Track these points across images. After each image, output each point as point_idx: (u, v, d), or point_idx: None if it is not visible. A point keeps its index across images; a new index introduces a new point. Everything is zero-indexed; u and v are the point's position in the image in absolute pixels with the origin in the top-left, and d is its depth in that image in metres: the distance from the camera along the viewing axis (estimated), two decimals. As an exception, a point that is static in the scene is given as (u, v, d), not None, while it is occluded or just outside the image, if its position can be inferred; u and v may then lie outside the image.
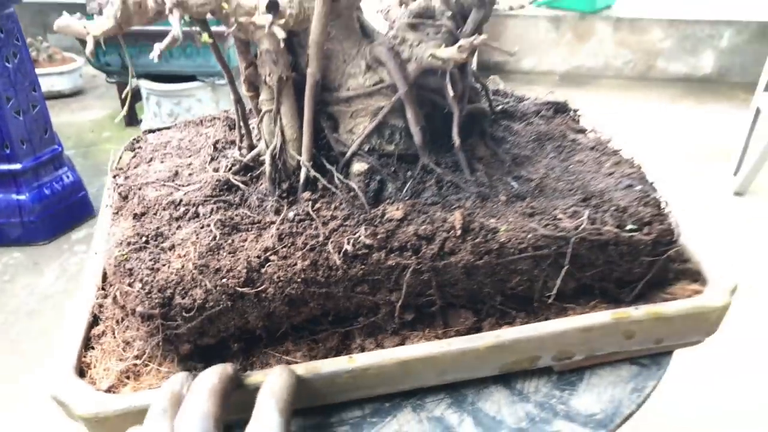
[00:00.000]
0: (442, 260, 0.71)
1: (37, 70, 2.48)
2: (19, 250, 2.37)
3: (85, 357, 0.74)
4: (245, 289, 0.68)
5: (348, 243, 0.70)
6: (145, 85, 3.08)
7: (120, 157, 0.95)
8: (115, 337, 0.76)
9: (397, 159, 0.79)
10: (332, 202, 0.76)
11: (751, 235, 2.42)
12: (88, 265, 0.84)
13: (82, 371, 0.72)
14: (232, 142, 0.91)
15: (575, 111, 0.99)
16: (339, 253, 0.69)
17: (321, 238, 0.71)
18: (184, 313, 0.68)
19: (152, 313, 0.68)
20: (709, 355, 1.87)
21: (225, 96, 2.98)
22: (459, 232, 0.71)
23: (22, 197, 2.31)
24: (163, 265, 0.70)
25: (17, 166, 2.28)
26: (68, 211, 2.52)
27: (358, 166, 0.78)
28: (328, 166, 0.78)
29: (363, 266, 0.70)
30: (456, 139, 0.78)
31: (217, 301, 0.68)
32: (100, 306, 0.80)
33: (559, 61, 3.85)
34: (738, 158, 2.73)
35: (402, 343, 0.74)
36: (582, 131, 0.95)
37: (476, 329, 0.75)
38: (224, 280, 0.68)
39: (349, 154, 0.79)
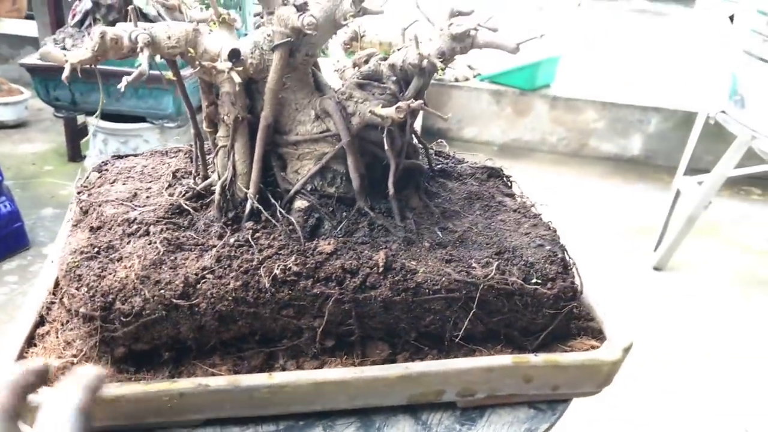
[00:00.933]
0: (363, 293, 0.78)
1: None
2: None
3: (26, 353, 0.80)
4: (180, 301, 0.75)
5: (278, 269, 0.77)
6: (93, 122, 2.98)
7: (87, 177, 1.03)
8: (57, 337, 0.82)
9: (336, 200, 0.87)
10: (272, 233, 0.84)
11: (666, 309, 2.56)
12: (42, 271, 0.91)
13: (21, 365, 0.78)
14: (191, 173, 0.99)
15: (508, 177, 1.08)
16: (269, 277, 0.77)
17: (255, 263, 0.78)
18: (122, 318, 0.74)
19: (93, 315, 0.74)
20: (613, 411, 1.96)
21: (172, 139, 3.01)
22: (381, 269, 0.80)
23: None
24: (110, 274, 0.77)
25: None
26: (2, 241, 2.49)
27: (300, 203, 0.87)
28: (273, 201, 0.86)
29: (290, 292, 0.77)
30: (390, 189, 0.87)
31: (153, 310, 0.75)
32: (48, 309, 0.86)
33: (498, 133, 4.04)
34: (659, 235, 2.89)
35: (321, 368, 0.81)
36: (511, 195, 1.04)
37: (391, 361, 0.83)
38: (162, 291, 0.75)
39: (293, 191, 0.87)
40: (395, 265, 0.80)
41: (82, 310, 0.74)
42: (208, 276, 0.77)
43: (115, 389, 0.74)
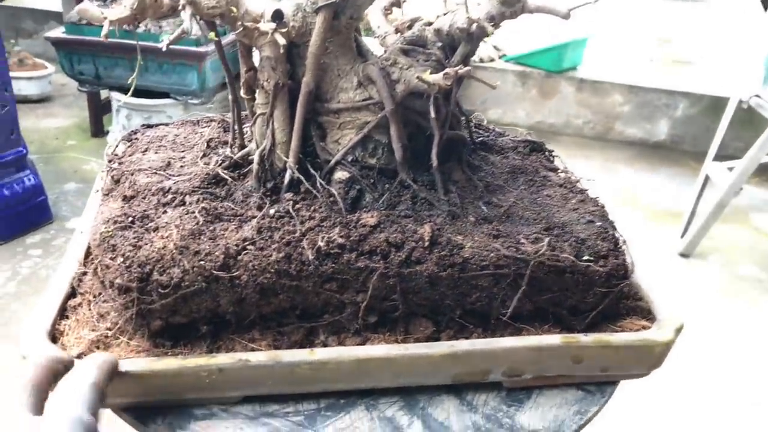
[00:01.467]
0: (408, 268, 0.75)
1: (6, 73, 2.50)
2: None
3: (59, 325, 0.77)
4: (220, 273, 0.72)
5: (322, 241, 0.74)
6: (116, 97, 2.96)
7: (116, 146, 1.00)
8: (90, 309, 0.79)
9: (378, 172, 0.84)
10: (312, 205, 0.81)
11: (693, 296, 2.51)
12: (72, 242, 0.88)
13: (54, 337, 0.76)
14: (225, 142, 0.96)
15: (550, 151, 1.05)
16: (312, 250, 0.74)
17: (297, 235, 0.75)
18: (159, 290, 0.72)
19: (129, 286, 0.72)
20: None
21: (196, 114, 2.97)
22: (427, 244, 0.76)
23: None
24: (146, 244, 0.74)
25: None
26: (26, 214, 2.48)
27: (340, 174, 0.83)
28: (312, 172, 0.83)
29: (333, 265, 0.74)
30: (434, 160, 0.83)
31: (192, 282, 0.72)
32: (80, 280, 0.83)
33: (523, 115, 3.98)
34: (685, 221, 2.83)
35: (363, 344, 0.78)
36: (554, 170, 1.00)
37: (434, 339, 0.79)
38: (202, 262, 0.72)
39: (333, 162, 0.84)
40: (441, 240, 0.77)
41: (117, 281, 0.72)
42: (249, 247, 0.74)
43: (151, 363, 0.71)
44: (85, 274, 0.84)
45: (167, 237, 0.75)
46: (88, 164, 3.14)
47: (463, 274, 0.76)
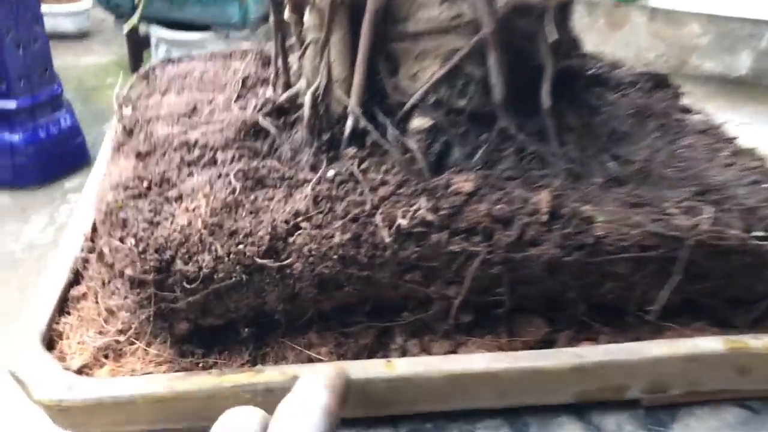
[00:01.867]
0: (521, 252, 0.55)
1: (43, 7, 2.32)
2: (8, 194, 2.25)
3: (57, 323, 0.59)
4: (266, 261, 0.53)
5: (402, 216, 0.54)
6: (155, 32, 2.91)
7: (131, 85, 0.80)
8: (97, 303, 0.61)
9: (469, 117, 0.63)
10: (383, 163, 0.61)
11: None
12: (75, 212, 0.69)
13: (51, 342, 0.58)
14: (265, 81, 0.75)
15: (677, 87, 0.82)
16: (389, 229, 0.54)
17: (368, 207, 0.55)
18: (185, 283, 0.53)
19: (145, 279, 0.53)
20: None
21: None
22: (545, 218, 0.56)
23: (14, 137, 2.16)
24: (165, 219, 0.55)
25: (12, 104, 2.13)
26: (63, 156, 2.38)
27: (420, 122, 0.62)
28: (382, 118, 0.62)
29: (418, 248, 0.54)
30: (545, 101, 0.62)
31: (228, 273, 0.53)
32: (85, 262, 0.65)
33: (589, 47, 3.65)
34: None
35: (454, 350, 0.59)
36: (687, 111, 0.78)
37: (549, 342, 0.60)
38: (240, 247, 0.53)
39: (409, 105, 0.63)
40: (563, 212, 0.56)
41: (128, 271, 0.53)
42: (303, 225, 0.54)
43: (173, 383, 0.53)
44: (92, 252, 0.66)
45: (194, 210, 0.55)
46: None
47: (595, 258, 0.56)
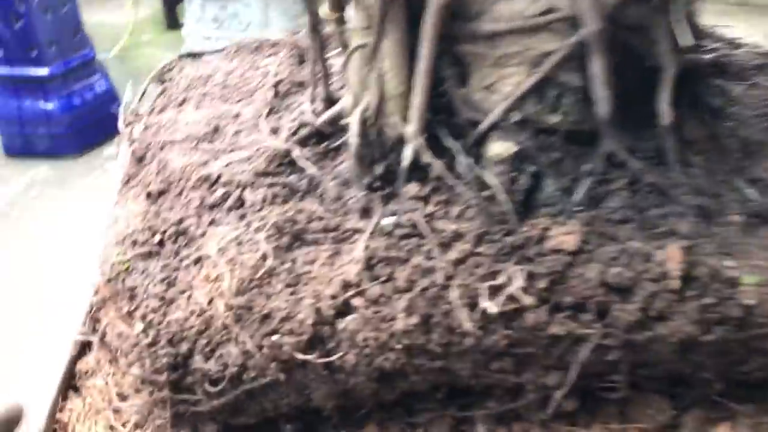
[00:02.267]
0: (645, 331, 0.41)
1: (71, -34, 2.20)
2: (48, 163, 2.17)
3: (62, 409, 0.49)
4: (308, 357, 0.40)
5: (489, 295, 0.40)
6: None
7: (143, 93, 0.67)
8: (107, 384, 0.50)
9: (564, 139, 0.49)
10: (453, 203, 0.47)
11: None
12: (83, 265, 0.58)
13: (55, 437, 0.47)
14: (301, 84, 0.62)
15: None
16: (470, 310, 0.40)
17: (439, 277, 0.42)
18: (207, 386, 0.41)
19: (157, 380, 0.41)
20: None
21: (276, 2, 2.61)
22: (676, 284, 0.41)
23: (49, 106, 2.08)
24: (181, 294, 0.43)
25: (44, 71, 2.03)
26: (100, 123, 2.28)
27: (500, 147, 0.48)
28: (450, 142, 0.49)
29: (508, 332, 0.41)
30: (665, 115, 0.47)
31: (262, 371, 0.41)
32: (95, 322, 0.54)
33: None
34: None
35: (552, 445, 0.46)
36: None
37: (673, 428, 0.46)
38: (275, 338, 0.40)
39: (485, 124, 0.49)
40: (699, 272, 0.42)
41: (135, 371, 0.41)
42: (356, 303, 0.41)
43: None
44: (96, 329, 0.55)
45: (216, 281, 0.43)
46: (164, 60, 2.88)
47: (742, 334, 0.42)
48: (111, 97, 2.32)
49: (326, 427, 0.47)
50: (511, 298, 0.41)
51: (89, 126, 2.28)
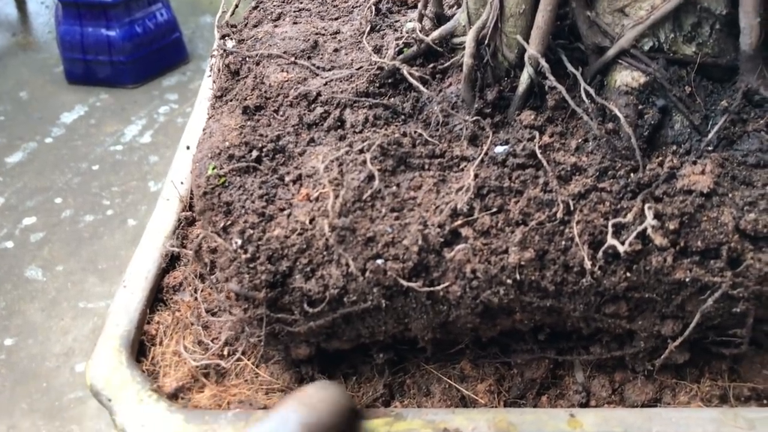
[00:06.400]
0: (780, 283, 0.38)
1: None
2: (107, 91, 2.18)
3: (149, 322, 0.48)
4: (413, 285, 0.38)
5: (614, 232, 0.37)
6: None
7: (235, 6, 0.65)
8: (196, 299, 0.49)
9: (698, 71, 0.44)
10: (572, 135, 0.44)
11: None
12: (168, 181, 0.57)
13: (142, 346, 0.47)
14: (403, 3, 0.58)
15: None
16: (593, 249, 0.37)
17: (558, 210, 0.39)
18: (305, 306, 0.39)
19: (254, 297, 0.40)
20: None
21: None
22: (821, 235, 0.38)
23: (111, 33, 2.08)
24: (281, 212, 0.42)
25: None
26: (160, 53, 2.24)
27: (628, 77, 0.44)
28: (571, 69, 0.45)
29: (628, 274, 0.38)
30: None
31: (363, 295, 0.39)
32: (183, 240, 0.53)
33: None
34: None
35: (656, 397, 0.43)
36: None
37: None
38: (379, 262, 0.38)
39: (613, 51, 0.45)
40: None
41: (233, 286, 0.40)
42: (464, 233, 0.39)
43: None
44: (192, 222, 0.54)
45: (317, 201, 0.41)
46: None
47: None
48: (172, 27, 2.33)
49: (418, 359, 0.46)
50: (642, 237, 0.37)
51: (149, 55, 2.31)
